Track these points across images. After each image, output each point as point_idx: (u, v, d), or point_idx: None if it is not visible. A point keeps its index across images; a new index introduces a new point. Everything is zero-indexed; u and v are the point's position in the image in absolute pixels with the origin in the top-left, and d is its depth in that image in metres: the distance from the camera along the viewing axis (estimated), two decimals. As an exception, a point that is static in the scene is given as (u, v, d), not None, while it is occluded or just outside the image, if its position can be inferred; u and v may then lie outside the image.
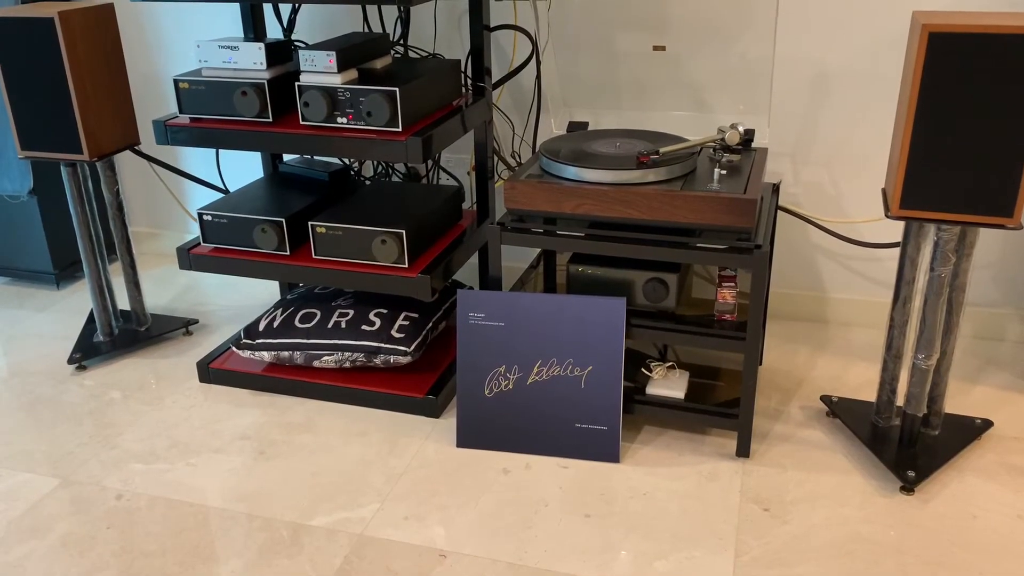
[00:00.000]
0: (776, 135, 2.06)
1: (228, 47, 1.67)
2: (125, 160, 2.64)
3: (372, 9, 2.15)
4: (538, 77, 2.10)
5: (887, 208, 1.46)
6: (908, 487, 1.55)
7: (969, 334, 2.12)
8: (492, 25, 2.09)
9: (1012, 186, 1.37)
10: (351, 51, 1.66)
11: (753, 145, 1.79)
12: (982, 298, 2.08)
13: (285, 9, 2.18)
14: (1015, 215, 1.39)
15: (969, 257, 1.53)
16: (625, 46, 1.84)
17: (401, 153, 1.60)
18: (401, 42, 2.11)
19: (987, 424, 1.71)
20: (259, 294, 2.43)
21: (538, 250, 2.02)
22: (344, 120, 1.63)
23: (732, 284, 1.61)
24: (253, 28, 2.03)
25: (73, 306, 2.39)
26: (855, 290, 2.16)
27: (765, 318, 1.94)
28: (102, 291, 2.08)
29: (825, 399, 1.79)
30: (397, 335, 1.82)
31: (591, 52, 1.90)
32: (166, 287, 2.50)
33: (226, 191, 2.33)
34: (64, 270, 2.50)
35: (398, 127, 1.60)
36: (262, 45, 1.66)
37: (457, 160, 2.29)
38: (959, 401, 1.84)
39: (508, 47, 2.13)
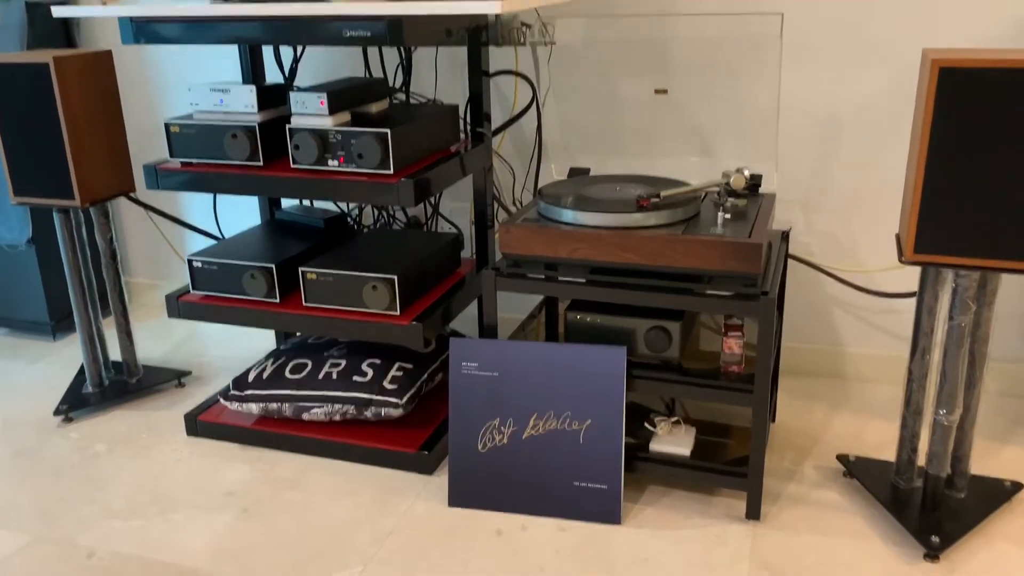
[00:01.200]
0: (787, 183, 1.99)
1: (219, 90, 1.64)
2: (125, 211, 2.62)
3: (374, 56, 2.13)
4: (539, 123, 2.06)
5: (901, 253, 1.38)
6: (932, 554, 1.43)
7: (995, 391, 2.00)
8: (493, 71, 2.06)
9: (1034, 229, 1.29)
10: (344, 94, 1.62)
11: (761, 191, 1.72)
12: (1009, 353, 1.97)
13: (287, 57, 2.16)
14: (1038, 259, 1.30)
15: (991, 306, 1.44)
16: (627, 92, 1.80)
17: (393, 195, 1.55)
18: (403, 89, 2.08)
19: (1017, 487, 1.59)
20: (258, 345, 2.37)
21: (539, 300, 1.95)
22: (335, 163, 1.58)
23: (739, 334, 1.52)
24: (253, 77, 2.01)
25: (67, 358, 2.34)
26: (873, 344, 2.06)
27: (777, 371, 1.85)
28: (92, 340, 2.03)
29: (841, 458, 1.69)
30: (389, 386, 1.74)
31: (593, 98, 1.86)
32: (163, 338, 2.44)
33: (222, 239, 2.29)
34: (60, 321, 2.46)
35: (389, 169, 1.55)
36: (253, 88, 1.63)
37: (459, 209, 2.24)
38: (986, 463, 1.72)
39: (509, 93, 2.10)
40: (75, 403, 2.01)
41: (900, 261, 1.38)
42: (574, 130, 1.86)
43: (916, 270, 1.94)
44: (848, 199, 1.96)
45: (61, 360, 2.32)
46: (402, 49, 2.06)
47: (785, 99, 1.92)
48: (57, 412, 1.98)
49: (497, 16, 1.86)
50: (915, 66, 1.83)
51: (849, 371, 2.09)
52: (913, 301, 1.98)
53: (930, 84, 1.27)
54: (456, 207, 2.24)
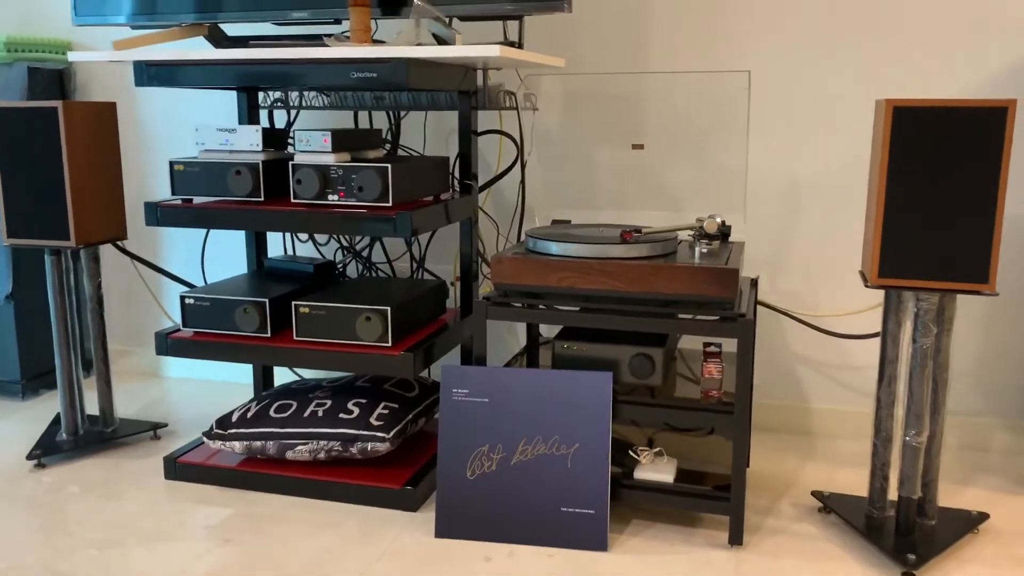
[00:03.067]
0: (753, 247, 2.12)
1: (226, 129, 1.73)
2: (108, 278, 2.64)
3: (363, 121, 2.26)
4: (522, 181, 2.18)
5: (865, 281, 1.50)
6: (909, 572, 1.48)
7: (955, 445, 2.09)
8: (479, 130, 2.20)
9: (984, 253, 1.42)
10: (346, 136, 1.73)
11: (730, 240, 1.84)
12: (966, 407, 2.08)
13: (280, 121, 2.28)
14: (990, 281, 1.42)
15: (949, 333, 1.55)
16: (606, 149, 1.93)
17: (390, 228, 1.63)
18: (392, 152, 2.19)
19: (983, 516, 1.66)
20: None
21: (520, 349, 2.01)
22: (335, 197, 1.67)
23: (717, 360, 1.60)
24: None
25: (36, 416, 2.30)
26: (838, 400, 2.15)
27: (750, 417, 1.92)
28: (71, 387, 2.02)
29: (817, 494, 1.74)
30: (376, 423, 1.77)
31: (574, 160, 1.99)
32: (137, 398, 2.43)
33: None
34: (31, 380, 2.43)
35: (388, 202, 1.64)
36: (259, 128, 1.72)
37: (443, 271, 2.32)
38: (952, 501, 1.79)
39: (491, 157, 2.23)
40: (48, 449, 1.98)
41: (865, 286, 1.49)
42: (555, 189, 1.98)
43: (876, 316, 2.06)
44: (811, 263, 2.10)
45: (29, 419, 2.28)
46: (391, 113, 2.19)
47: (752, 167, 2.08)
48: (30, 457, 1.94)
49: (485, 82, 2.01)
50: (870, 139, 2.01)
51: (816, 427, 2.17)
52: (873, 354, 2.09)
53: (886, 123, 1.43)
54: (439, 268, 2.32)
